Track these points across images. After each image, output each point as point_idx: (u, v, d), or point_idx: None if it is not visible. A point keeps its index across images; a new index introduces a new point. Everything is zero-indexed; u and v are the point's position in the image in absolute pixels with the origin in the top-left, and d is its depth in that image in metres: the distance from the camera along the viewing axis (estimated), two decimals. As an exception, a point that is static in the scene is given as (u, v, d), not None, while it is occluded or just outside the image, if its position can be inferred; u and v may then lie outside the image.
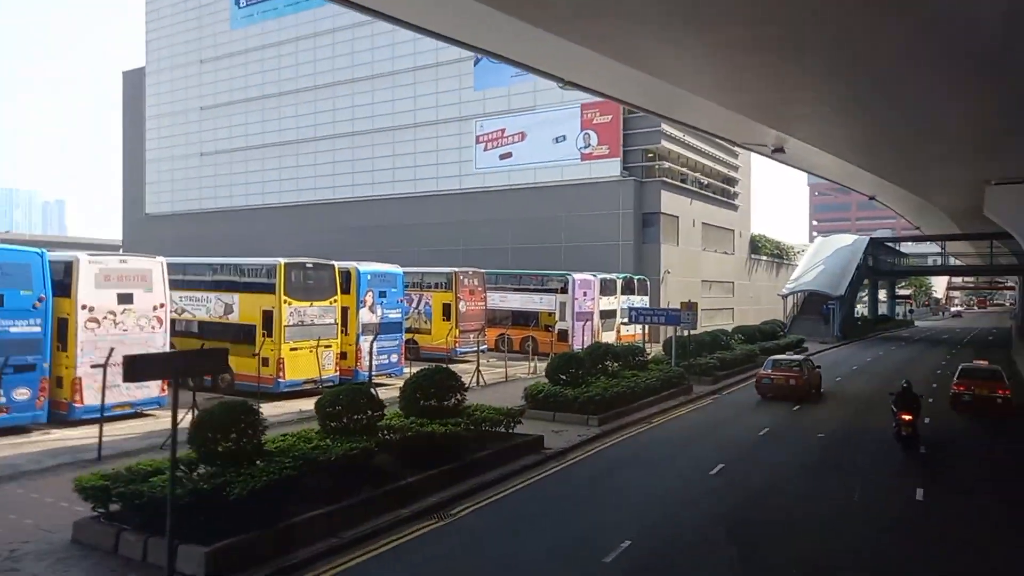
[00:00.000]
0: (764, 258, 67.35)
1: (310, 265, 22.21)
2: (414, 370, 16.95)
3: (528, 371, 28.12)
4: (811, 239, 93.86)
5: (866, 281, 69.85)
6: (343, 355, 22.87)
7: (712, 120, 27.21)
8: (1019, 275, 58.91)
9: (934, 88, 18.45)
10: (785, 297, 55.44)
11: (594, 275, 37.71)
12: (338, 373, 22.10)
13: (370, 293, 24.26)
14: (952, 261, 74.61)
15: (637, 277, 42.62)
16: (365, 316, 23.97)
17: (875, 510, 12.66)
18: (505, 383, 25.80)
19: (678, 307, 27.60)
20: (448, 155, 56.26)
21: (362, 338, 23.21)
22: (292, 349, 20.90)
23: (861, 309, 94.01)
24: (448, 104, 56.21)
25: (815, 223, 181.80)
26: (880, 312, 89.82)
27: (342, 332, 22.80)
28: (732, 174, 61.07)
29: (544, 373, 20.76)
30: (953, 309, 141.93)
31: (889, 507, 12.94)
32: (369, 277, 24.39)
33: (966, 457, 17.42)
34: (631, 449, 16.71)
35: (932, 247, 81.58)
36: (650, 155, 50.07)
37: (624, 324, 37.76)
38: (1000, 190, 35.64)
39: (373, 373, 20.95)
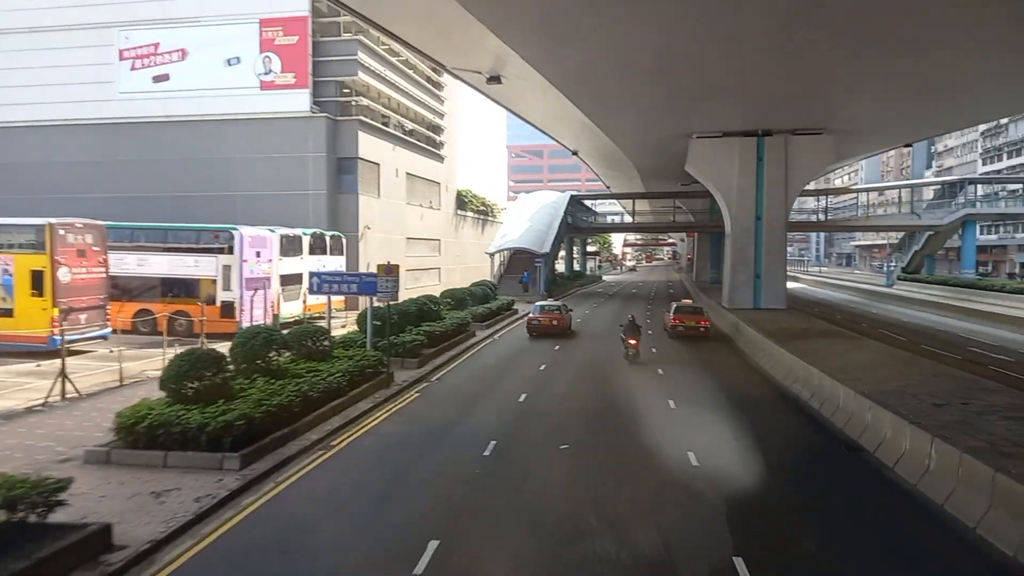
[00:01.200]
0: (471, 215, 64.30)
1: None
2: None
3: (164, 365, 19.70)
4: (508, 199, 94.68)
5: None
6: None
7: (424, 29, 21.03)
8: (696, 231, 63.39)
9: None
10: (492, 255, 52.59)
11: (272, 230, 29.80)
12: None
13: None
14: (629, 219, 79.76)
15: (330, 233, 35.49)
16: None
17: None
18: (119, 389, 17.35)
19: (375, 270, 21.20)
20: (83, 73, 42.82)
21: None
22: None
23: (558, 266, 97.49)
24: (81, 4, 42.60)
25: (512, 183, 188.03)
26: (575, 268, 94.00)
27: None
28: (438, 121, 56.22)
29: (159, 383, 13.03)
30: (628, 263, 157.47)
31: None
32: None
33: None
34: (289, 518, 10.04)
35: (615, 207, 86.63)
36: (346, 90, 42.68)
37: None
38: (699, 143, 35.60)
39: None
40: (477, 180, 66.37)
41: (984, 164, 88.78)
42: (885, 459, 12.08)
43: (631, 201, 65.78)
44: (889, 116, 33.66)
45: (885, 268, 75.46)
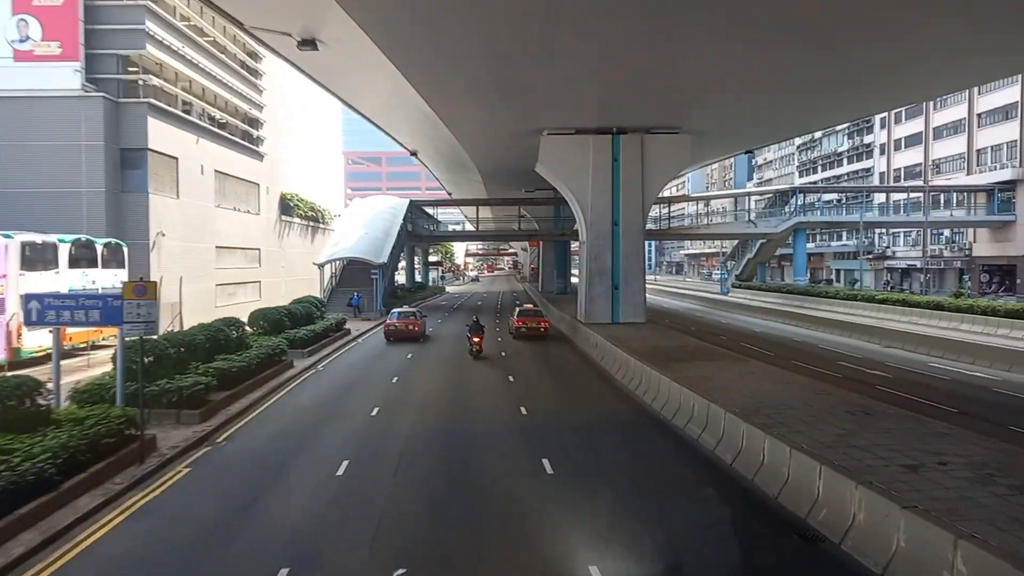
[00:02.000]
0: (298, 221, 57.43)
1: None
2: None
3: None
4: (346, 208, 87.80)
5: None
6: None
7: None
8: (541, 239, 60.84)
9: None
10: (322, 267, 46.49)
11: (7, 235, 22.43)
12: None
13: None
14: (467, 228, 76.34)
15: (103, 241, 28.22)
16: None
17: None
18: None
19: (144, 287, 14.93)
20: None
21: None
22: None
23: (399, 277, 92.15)
24: None
25: (348, 191, 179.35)
26: (416, 279, 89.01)
27: None
28: (256, 113, 49.25)
29: None
30: (470, 274, 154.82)
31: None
32: None
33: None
34: None
35: (456, 214, 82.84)
36: (132, 66, 35.16)
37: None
38: (551, 141, 32.27)
39: None
40: (307, 183, 59.62)
41: (800, 176, 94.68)
42: None
43: (474, 209, 62.00)
44: (743, 118, 32.22)
45: (720, 276, 77.40)
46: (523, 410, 17.33)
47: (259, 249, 48.88)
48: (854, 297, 46.99)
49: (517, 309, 35.37)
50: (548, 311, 46.10)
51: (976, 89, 61.56)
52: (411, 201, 57.55)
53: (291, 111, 56.61)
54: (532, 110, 28.68)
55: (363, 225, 50.53)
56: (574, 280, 61.31)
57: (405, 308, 36.21)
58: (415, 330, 31.64)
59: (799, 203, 62.04)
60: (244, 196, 46.58)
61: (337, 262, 48.97)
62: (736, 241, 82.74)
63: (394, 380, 21.82)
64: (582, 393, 20.47)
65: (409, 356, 27.43)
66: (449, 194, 65.53)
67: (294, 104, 56.78)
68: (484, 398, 19.50)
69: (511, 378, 22.18)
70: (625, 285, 31.82)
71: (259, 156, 48.93)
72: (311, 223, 59.16)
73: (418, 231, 59.96)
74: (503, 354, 27.76)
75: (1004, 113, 58.22)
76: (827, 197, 71.40)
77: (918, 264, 65.82)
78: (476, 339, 26.31)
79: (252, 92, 48.39)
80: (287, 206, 54.57)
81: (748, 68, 22.36)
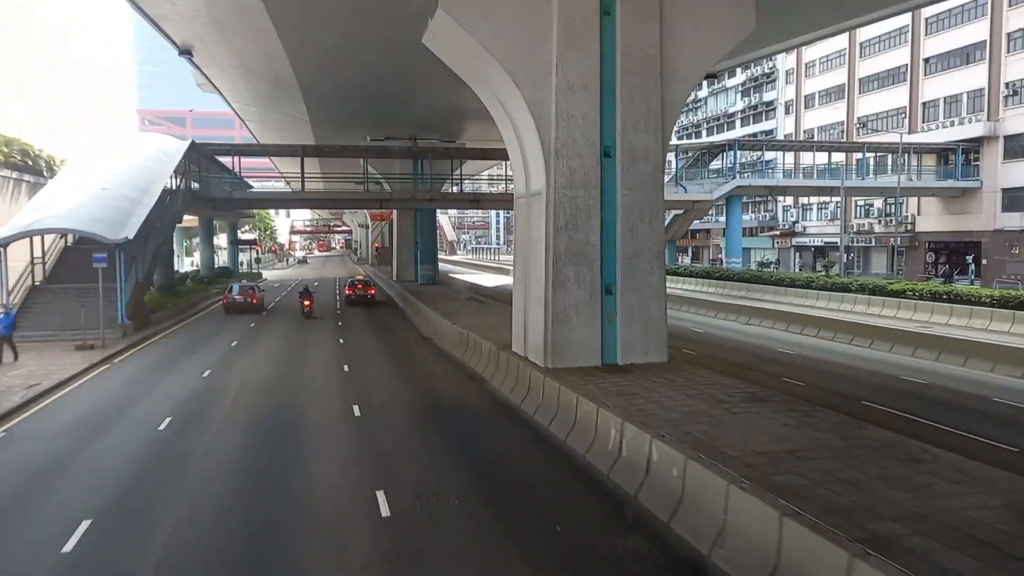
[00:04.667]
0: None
1: None
2: None
3: None
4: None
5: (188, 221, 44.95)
6: None
7: None
8: (402, 206, 42.46)
9: None
10: (4, 247, 25.17)
11: None
12: None
13: None
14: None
15: None
16: None
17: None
18: None
19: None
20: None
21: None
22: None
23: (193, 262, 69.60)
24: None
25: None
26: (220, 264, 66.89)
27: None
28: None
29: None
30: (298, 254, 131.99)
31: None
32: None
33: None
34: None
35: (279, 186, 61.74)
36: None
37: None
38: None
39: None
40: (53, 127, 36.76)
41: (680, 140, 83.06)
42: None
43: (297, 164, 42.09)
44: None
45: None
46: None
47: None
48: (847, 288, 33.72)
49: (349, 280, 40.39)
50: (416, 320, 29.52)
51: (922, 30, 51.27)
52: (193, 144, 36.73)
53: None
54: None
55: (102, 180, 29.59)
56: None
57: (244, 283, 37.94)
58: (254, 302, 34.06)
59: (732, 162, 48.48)
60: None
61: (41, 238, 27.97)
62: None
63: None
64: None
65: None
66: (257, 140, 45.22)
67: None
68: None
69: None
70: (627, 285, 14.94)
71: None
72: (23, 173, 36.38)
73: (211, 193, 39.33)
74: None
75: (963, 56, 48.09)
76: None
77: (838, 242, 55.34)
78: (307, 302, 31.65)
79: None
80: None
81: None
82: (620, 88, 14.59)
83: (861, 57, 57.00)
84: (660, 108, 14.83)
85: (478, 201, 43.17)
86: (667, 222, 54.39)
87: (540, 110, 14.47)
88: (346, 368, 19.31)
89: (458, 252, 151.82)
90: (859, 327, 25.21)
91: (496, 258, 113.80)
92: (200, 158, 39.99)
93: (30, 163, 36.30)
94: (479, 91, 16.31)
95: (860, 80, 57.28)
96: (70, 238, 30.03)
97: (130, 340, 23.96)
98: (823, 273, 39.99)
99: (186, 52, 28.03)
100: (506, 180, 46.66)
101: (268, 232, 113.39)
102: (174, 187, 35.68)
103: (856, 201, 58.12)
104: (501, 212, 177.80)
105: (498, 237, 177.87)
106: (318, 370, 19.38)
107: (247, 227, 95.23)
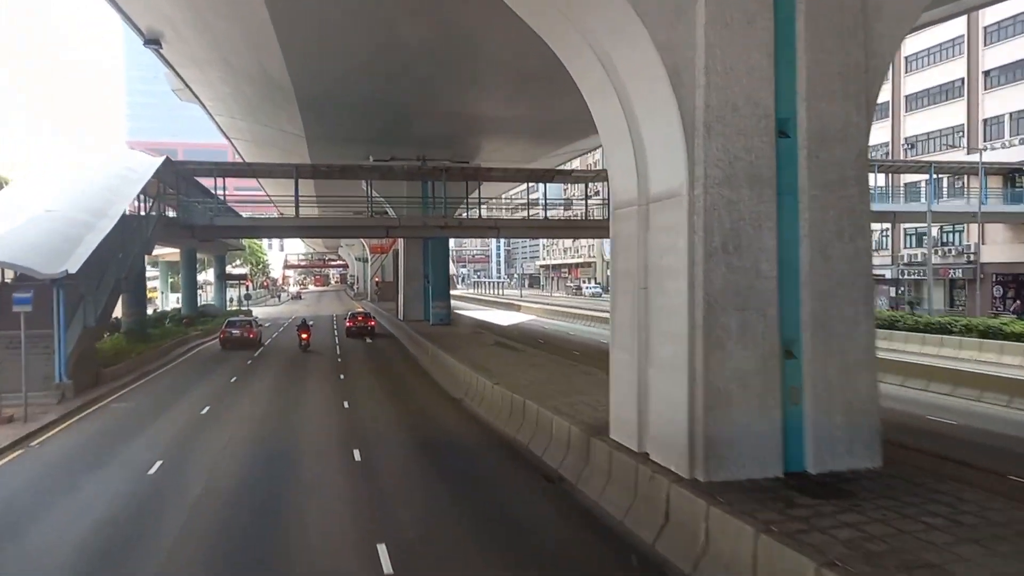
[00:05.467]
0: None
1: None
2: None
3: None
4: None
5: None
6: None
7: None
8: (410, 234, 37.00)
9: None
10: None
11: None
12: None
13: None
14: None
15: None
16: None
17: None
18: None
19: None
20: None
21: None
22: None
23: (179, 299, 63.82)
24: None
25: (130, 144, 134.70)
26: (206, 301, 61.07)
27: None
28: None
29: None
30: (292, 289, 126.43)
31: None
32: None
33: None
34: None
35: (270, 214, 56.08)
36: None
37: None
38: None
39: None
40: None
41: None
42: None
43: (290, 189, 36.39)
44: None
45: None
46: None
47: None
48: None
49: (350, 312, 42.95)
50: (436, 373, 23.88)
51: (980, 39, 46.62)
52: (169, 161, 31.10)
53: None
54: None
55: (51, 199, 23.99)
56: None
57: (240, 318, 37.20)
58: (251, 336, 33.24)
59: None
60: None
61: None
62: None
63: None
64: None
65: None
66: (240, 156, 39.84)
67: None
68: None
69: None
70: (819, 343, 9.23)
71: None
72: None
73: (190, 219, 33.69)
74: None
75: (1031, 68, 43.31)
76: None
77: (887, 275, 49.97)
78: (304, 335, 31.44)
79: None
80: None
81: None
82: (803, 29, 9.13)
83: (907, 72, 52.33)
84: (863, 61, 9.34)
85: (498, 228, 37.62)
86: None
87: (678, 59, 8.97)
88: (357, 455, 13.52)
89: (458, 286, 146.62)
90: None
91: (501, 292, 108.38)
92: (179, 180, 34.50)
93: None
94: (561, 46, 10.83)
95: (906, 97, 52.52)
96: (8, 272, 24.29)
97: (68, 407, 18.10)
98: (908, 312, 34.40)
99: (153, 42, 22.78)
100: (528, 206, 41.33)
101: (260, 267, 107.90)
102: (145, 212, 30.17)
103: (903, 228, 52.93)
104: (501, 243, 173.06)
105: (498, 270, 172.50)
106: (325, 470, 13.55)
107: (238, 261, 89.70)
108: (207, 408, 18.39)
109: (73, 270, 19.30)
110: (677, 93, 9.00)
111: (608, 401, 11.36)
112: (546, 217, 37.51)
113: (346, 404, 18.85)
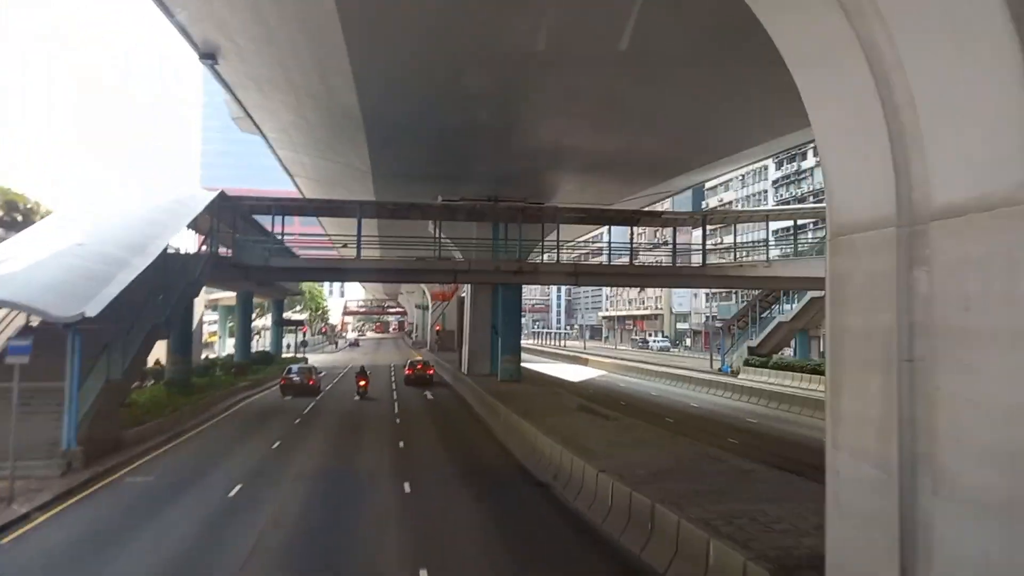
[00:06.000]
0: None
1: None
2: None
3: None
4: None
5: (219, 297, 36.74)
6: None
7: None
8: (468, 279, 33.54)
9: None
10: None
11: None
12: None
13: None
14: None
15: None
16: None
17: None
18: None
19: None
20: None
21: None
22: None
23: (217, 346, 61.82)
24: None
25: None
26: (262, 347, 58.86)
27: None
28: None
29: None
30: (350, 336, 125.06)
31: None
32: None
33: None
34: None
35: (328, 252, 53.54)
36: None
37: None
38: None
39: None
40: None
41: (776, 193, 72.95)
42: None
43: (351, 229, 33.32)
44: None
45: (720, 347, 52.58)
46: None
47: None
48: None
49: (409, 361, 43.16)
50: (515, 447, 19.80)
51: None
52: (224, 195, 28.50)
53: None
54: None
55: (84, 234, 21.33)
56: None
57: (298, 366, 37.73)
58: (311, 384, 33.71)
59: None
60: None
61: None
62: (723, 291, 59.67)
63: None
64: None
65: None
66: (302, 194, 37.32)
67: None
68: None
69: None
70: None
71: None
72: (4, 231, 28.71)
73: (243, 259, 31.01)
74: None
75: None
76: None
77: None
78: (362, 382, 31.69)
79: None
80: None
81: None
82: None
83: None
84: None
85: (578, 275, 33.82)
86: (797, 309, 44.15)
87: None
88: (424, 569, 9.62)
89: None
90: None
91: (563, 344, 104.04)
92: (236, 217, 31.97)
93: (18, 217, 28.76)
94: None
95: None
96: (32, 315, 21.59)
97: (71, 481, 14.72)
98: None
99: (209, 56, 20.10)
100: (610, 250, 37.35)
101: (320, 312, 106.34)
102: (194, 250, 27.56)
103: None
104: (562, 292, 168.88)
105: (558, 320, 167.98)
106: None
107: (299, 307, 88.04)
108: (238, 488, 14.77)
109: (92, 313, 16.17)
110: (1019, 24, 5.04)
111: (786, 518, 7.17)
112: (631, 263, 33.43)
113: (407, 488, 14.98)
